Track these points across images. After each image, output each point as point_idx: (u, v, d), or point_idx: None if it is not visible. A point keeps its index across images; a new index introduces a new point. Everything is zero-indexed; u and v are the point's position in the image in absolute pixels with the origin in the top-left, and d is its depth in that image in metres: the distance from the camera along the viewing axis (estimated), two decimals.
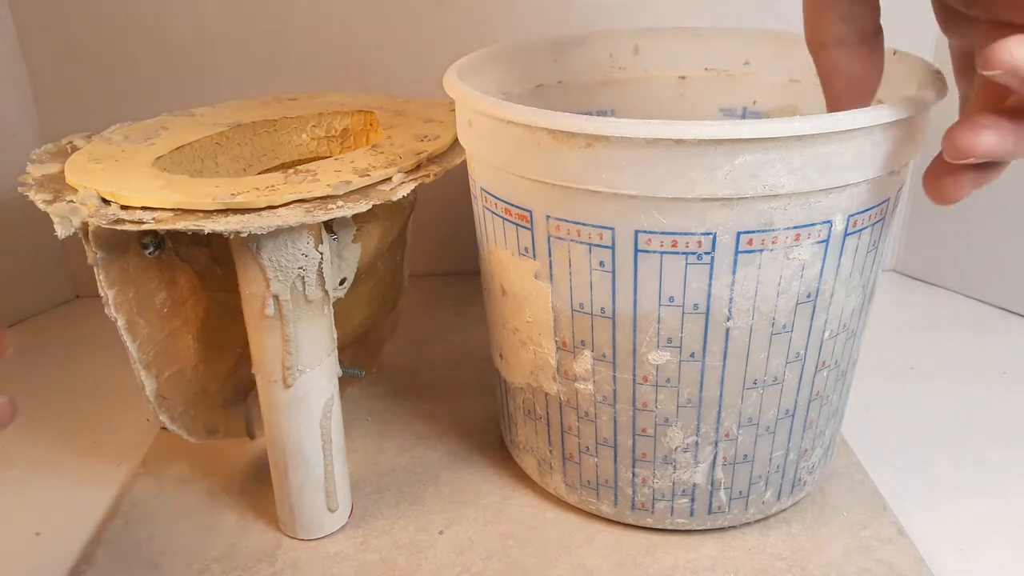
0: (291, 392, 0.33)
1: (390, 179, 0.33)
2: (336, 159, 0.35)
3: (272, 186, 0.31)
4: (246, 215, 0.30)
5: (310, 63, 0.55)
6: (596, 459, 0.35)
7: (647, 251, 0.29)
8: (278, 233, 0.30)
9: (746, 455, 0.33)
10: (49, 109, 0.55)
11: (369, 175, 0.32)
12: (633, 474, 0.34)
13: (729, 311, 0.30)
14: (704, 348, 0.31)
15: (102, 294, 0.31)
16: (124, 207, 0.30)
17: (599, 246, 0.30)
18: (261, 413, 0.35)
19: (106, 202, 0.31)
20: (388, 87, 0.49)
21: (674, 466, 0.34)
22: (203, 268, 0.36)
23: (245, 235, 0.29)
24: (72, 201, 0.31)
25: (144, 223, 0.29)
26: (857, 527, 0.36)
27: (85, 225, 0.30)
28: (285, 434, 0.34)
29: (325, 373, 0.34)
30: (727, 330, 0.30)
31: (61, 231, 0.29)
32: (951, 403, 0.45)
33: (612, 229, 0.29)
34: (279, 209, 0.30)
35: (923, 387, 0.47)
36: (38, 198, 0.31)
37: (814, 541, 0.35)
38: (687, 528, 0.35)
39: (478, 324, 0.55)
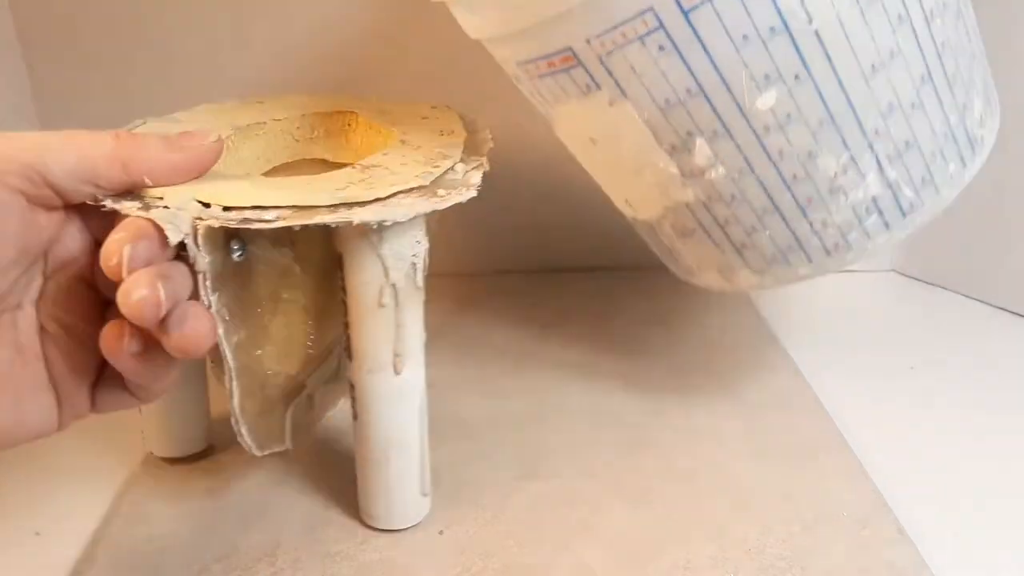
0: (400, 378, 0.34)
1: (454, 168, 0.34)
2: (384, 154, 0.35)
3: (364, 180, 0.32)
4: (372, 206, 0.30)
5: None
6: (767, 231, 0.33)
7: (695, 6, 0.28)
8: (401, 223, 0.31)
9: (907, 141, 0.31)
10: (49, 109, 0.55)
11: (439, 166, 0.33)
12: (810, 224, 0.32)
13: (807, 13, 0.28)
14: (805, 65, 0.29)
15: (205, 301, 0.30)
16: (226, 208, 0.29)
17: (649, 33, 0.28)
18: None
19: (205, 205, 0.30)
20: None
21: (844, 192, 0.31)
22: (282, 270, 0.36)
23: (362, 225, 0.30)
24: (167, 207, 0.29)
25: (273, 221, 0.29)
26: (857, 527, 0.36)
27: (194, 229, 0.29)
28: (388, 422, 0.34)
29: (423, 358, 0.35)
30: (816, 32, 0.28)
31: (173, 237, 0.28)
32: (951, 403, 0.45)
33: (651, 9, 0.28)
34: (397, 198, 0.30)
35: (923, 387, 0.47)
36: (129, 206, 0.29)
37: (814, 541, 0.35)
38: (890, 243, 0.33)
39: (479, 324, 0.55)
